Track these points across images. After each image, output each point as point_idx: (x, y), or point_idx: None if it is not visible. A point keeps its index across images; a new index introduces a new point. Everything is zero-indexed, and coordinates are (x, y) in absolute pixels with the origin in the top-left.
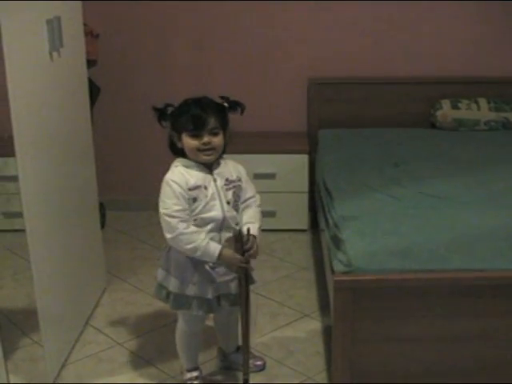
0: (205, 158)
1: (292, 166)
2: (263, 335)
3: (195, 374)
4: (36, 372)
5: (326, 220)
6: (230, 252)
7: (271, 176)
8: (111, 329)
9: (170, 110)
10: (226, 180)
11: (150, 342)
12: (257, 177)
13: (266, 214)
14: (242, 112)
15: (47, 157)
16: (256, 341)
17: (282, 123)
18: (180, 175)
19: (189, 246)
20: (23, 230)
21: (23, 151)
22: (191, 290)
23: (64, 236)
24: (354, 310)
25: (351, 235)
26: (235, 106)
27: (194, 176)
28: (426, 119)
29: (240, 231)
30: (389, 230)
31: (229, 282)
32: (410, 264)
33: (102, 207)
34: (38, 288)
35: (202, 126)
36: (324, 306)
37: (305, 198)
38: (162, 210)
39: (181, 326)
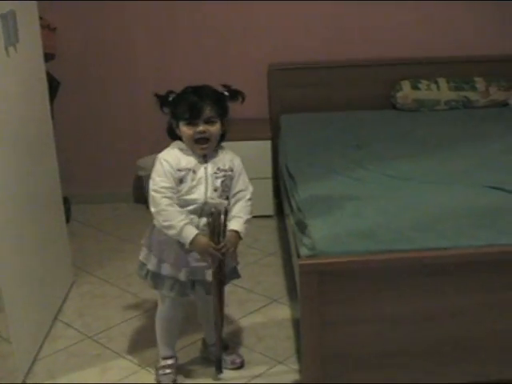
0: (200, 151)
1: (255, 153)
2: (232, 322)
3: (170, 361)
4: (6, 369)
5: (290, 205)
6: (204, 240)
7: None
8: (80, 322)
9: (171, 96)
10: (218, 168)
11: (120, 334)
12: None
13: None
14: (243, 100)
15: (7, 153)
16: (224, 328)
17: (243, 110)
18: (173, 156)
19: (166, 223)
20: None
21: None
22: (165, 270)
23: (29, 231)
24: (321, 293)
25: (315, 219)
26: (236, 94)
27: (187, 159)
28: (386, 101)
29: (213, 214)
30: (353, 213)
31: (204, 269)
32: (374, 245)
33: (67, 201)
34: (3, 284)
35: (197, 114)
36: (292, 291)
37: (269, 184)
38: (150, 186)
39: (159, 310)
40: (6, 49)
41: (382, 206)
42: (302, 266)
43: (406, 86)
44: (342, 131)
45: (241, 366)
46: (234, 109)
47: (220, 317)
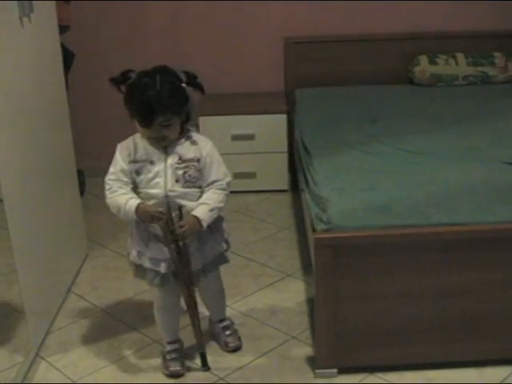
0: (158, 145)
1: (271, 127)
2: (246, 296)
3: (175, 346)
4: (19, 341)
5: (306, 179)
6: (147, 205)
7: (250, 137)
8: (94, 295)
9: (132, 75)
10: (180, 158)
11: (133, 307)
12: (235, 138)
13: (245, 176)
14: (203, 93)
15: (22, 125)
16: (238, 302)
17: (259, 84)
18: (130, 145)
19: (114, 210)
20: (1, 200)
21: None
22: (146, 263)
23: (43, 204)
24: (335, 267)
25: (331, 193)
26: (195, 85)
27: (143, 149)
28: (403, 75)
29: (169, 208)
30: (368, 187)
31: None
32: (390, 220)
33: (81, 174)
34: (18, 257)
35: (150, 121)
36: (306, 266)
37: (284, 158)
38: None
39: (155, 301)
40: (21, 19)
41: (398, 181)
42: (318, 239)
43: (423, 60)
44: (358, 106)
45: (237, 349)
46: (251, 83)
47: (193, 310)
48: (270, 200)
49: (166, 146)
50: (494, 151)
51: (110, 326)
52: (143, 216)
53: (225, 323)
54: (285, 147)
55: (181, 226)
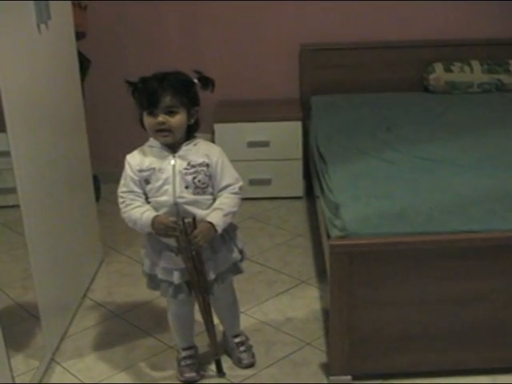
0: (161, 139)
1: (286, 134)
2: (261, 303)
3: (189, 352)
4: (35, 346)
5: (321, 186)
6: (160, 217)
7: (265, 144)
8: (109, 301)
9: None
10: (188, 164)
11: (148, 312)
12: (250, 145)
13: (260, 182)
14: (213, 89)
15: (39, 131)
16: (253, 309)
17: (274, 90)
18: (138, 155)
19: (130, 224)
20: (18, 206)
21: (14, 126)
22: (159, 273)
23: (59, 210)
24: (351, 274)
25: (346, 200)
26: (206, 82)
27: (151, 157)
28: (418, 83)
29: (183, 219)
30: (383, 194)
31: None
32: (405, 227)
33: (97, 180)
34: (33, 262)
35: (155, 102)
36: (321, 273)
37: (299, 165)
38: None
39: (168, 309)
40: (38, 26)
41: (413, 188)
42: (333, 246)
43: (438, 68)
44: (373, 113)
45: (247, 367)
46: (266, 90)
47: (208, 317)
48: (285, 207)
49: (173, 151)
50: (508, 158)
51: (125, 331)
52: (159, 229)
53: (239, 339)
54: (300, 154)
55: (194, 236)
